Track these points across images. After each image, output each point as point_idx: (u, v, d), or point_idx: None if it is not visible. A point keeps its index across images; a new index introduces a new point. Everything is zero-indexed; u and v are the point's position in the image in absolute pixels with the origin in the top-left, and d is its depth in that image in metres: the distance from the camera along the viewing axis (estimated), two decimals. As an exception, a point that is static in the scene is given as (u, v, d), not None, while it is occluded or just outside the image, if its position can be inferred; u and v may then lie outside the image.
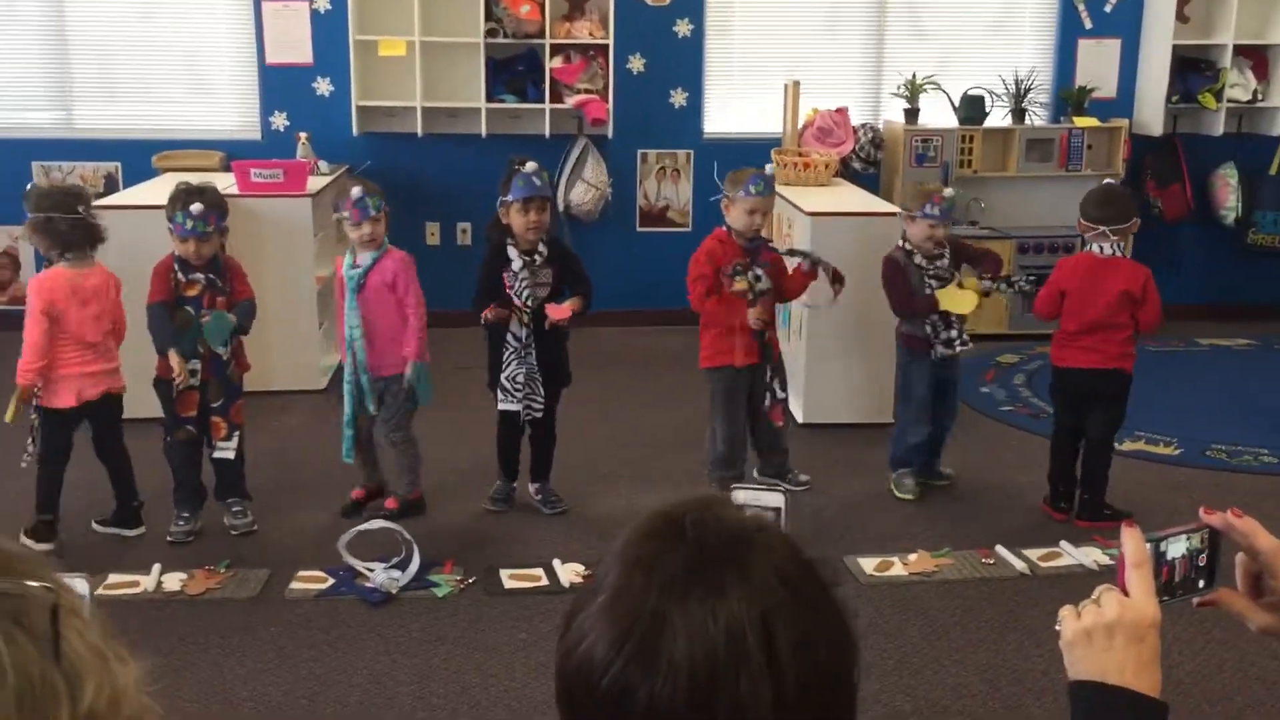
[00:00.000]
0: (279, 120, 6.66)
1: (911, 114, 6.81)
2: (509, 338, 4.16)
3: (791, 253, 4.57)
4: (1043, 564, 3.99)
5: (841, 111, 6.79)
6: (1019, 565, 3.96)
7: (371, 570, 3.80)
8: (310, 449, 4.78)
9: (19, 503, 4.03)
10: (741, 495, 1.15)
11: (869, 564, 3.96)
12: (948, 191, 4.45)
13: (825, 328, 5.13)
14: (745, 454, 4.47)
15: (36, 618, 0.82)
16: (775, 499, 1.15)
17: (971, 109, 6.79)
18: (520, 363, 4.18)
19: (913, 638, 3.52)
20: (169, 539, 4.04)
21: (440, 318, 6.15)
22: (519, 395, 4.21)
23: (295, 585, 3.78)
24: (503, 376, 4.20)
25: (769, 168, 4.37)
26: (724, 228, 4.35)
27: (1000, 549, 4.07)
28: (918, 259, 4.40)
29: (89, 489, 4.13)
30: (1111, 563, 3.96)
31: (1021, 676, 3.31)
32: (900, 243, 4.46)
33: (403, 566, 3.82)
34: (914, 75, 6.79)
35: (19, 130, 6.59)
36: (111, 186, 6.53)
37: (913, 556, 4.02)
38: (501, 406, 4.25)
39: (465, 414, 4.98)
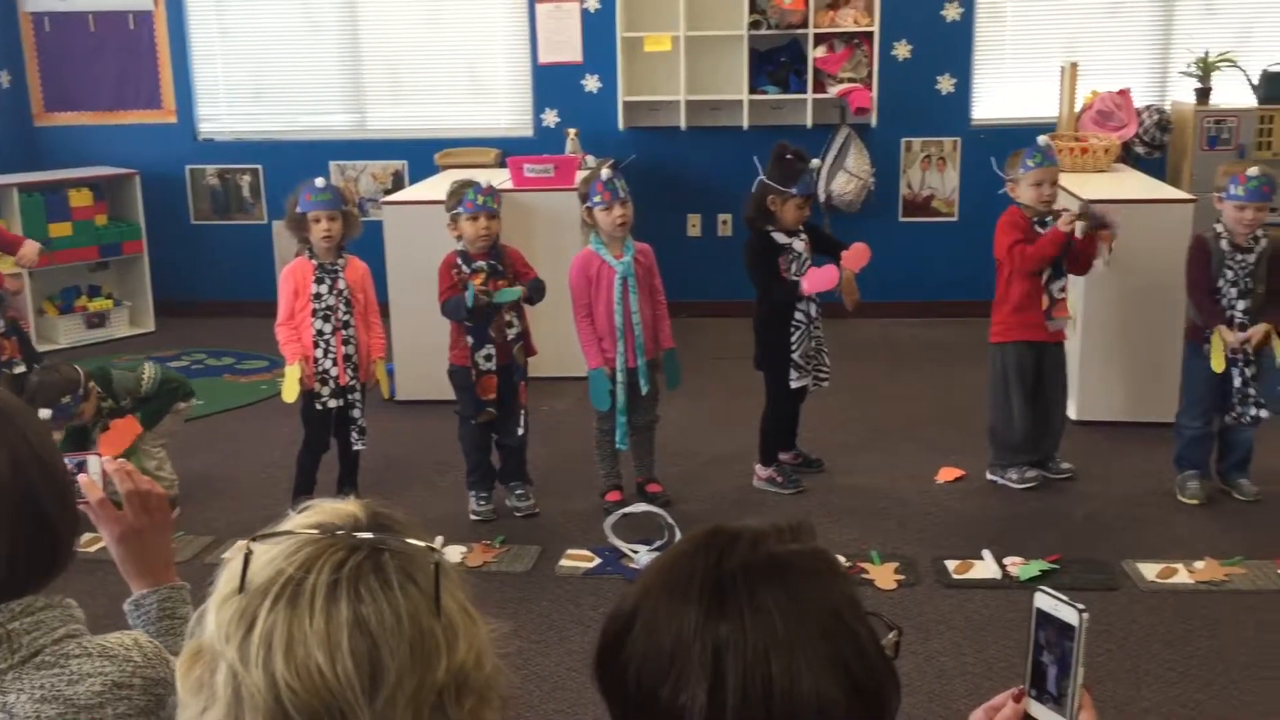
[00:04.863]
0: (550, 117, 6.93)
1: (1203, 94, 6.36)
2: (797, 315, 4.29)
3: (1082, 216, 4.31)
4: (1351, 579, 3.66)
5: (1124, 93, 6.43)
6: (1323, 579, 3.65)
7: (636, 552, 3.91)
8: (579, 433, 4.94)
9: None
10: (1042, 600, 1.08)
11: (1150, 570, 3.74)
12: (1253, 170, 4.04)
13: (1103, 319, 4.89)
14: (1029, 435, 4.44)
15: (423, 574, 0.90)
16: (1071, 614, 1.05)
17: (1273, 87, 6.27)
18: (809, 338, 4.33)
19: (1199, 650, 3.30)
20: (474, 517, 4.25)
21: (702, 308, 6.28)
22: (808, 369, 4.37)
23: (564, 563, 3.94)
24: (795, 355, 4.31)
25: (1042, 139, 4.30)
26: (1016, 206, 4.33)
27: (1301, 561, 3.76)
28: (1224, 243, 4.12)
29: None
30: None
31: (1325, 699, 3.05)
32: (1215, 224, 4.20)
33: (665, 549, 3.89)
34: (1206, 52, 6.34)
35: (319, 133, 7.15)
36: (398, 183, 6.98)
37: (1200, 564, 3.77)
38: (794, 384, 4.35)
39: (723, 402, 5.05)
